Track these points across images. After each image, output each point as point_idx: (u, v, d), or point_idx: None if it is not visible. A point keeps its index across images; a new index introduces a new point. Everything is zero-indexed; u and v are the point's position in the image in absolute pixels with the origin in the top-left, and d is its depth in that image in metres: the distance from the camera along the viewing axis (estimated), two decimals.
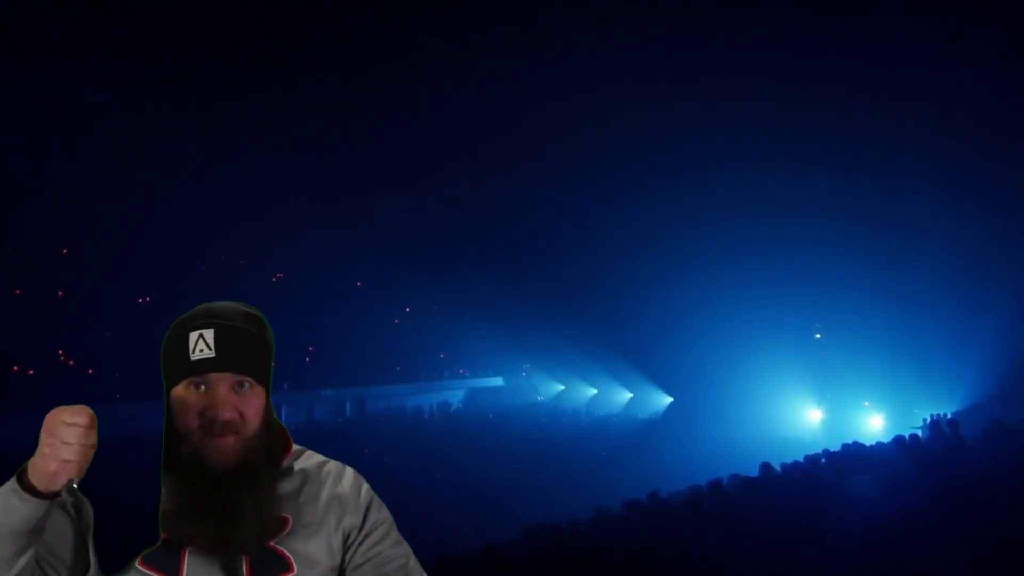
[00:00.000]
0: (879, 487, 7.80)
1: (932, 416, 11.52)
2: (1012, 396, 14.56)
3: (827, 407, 24.42)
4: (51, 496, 1.19)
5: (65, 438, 1.16)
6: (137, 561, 1.33)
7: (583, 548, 6.80)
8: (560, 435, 23.41)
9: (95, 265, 25.37)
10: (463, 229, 32.88)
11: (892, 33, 21.35)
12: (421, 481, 16.59)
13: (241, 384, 1.34)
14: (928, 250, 20.08)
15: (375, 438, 21.47)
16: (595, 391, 32.84)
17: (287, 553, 1.36)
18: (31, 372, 21.18)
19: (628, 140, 27.22)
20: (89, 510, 1.34)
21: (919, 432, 10.43)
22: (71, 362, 22.97)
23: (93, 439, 1.18)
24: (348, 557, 1.42)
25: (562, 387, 34.12)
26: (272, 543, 1.35)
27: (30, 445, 1.20)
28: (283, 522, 1.37)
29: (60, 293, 24.58)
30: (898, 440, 9.51)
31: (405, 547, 1.48)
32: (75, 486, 1.23)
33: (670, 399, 29.18)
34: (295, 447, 1.47)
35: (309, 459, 1.48)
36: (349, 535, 1.43)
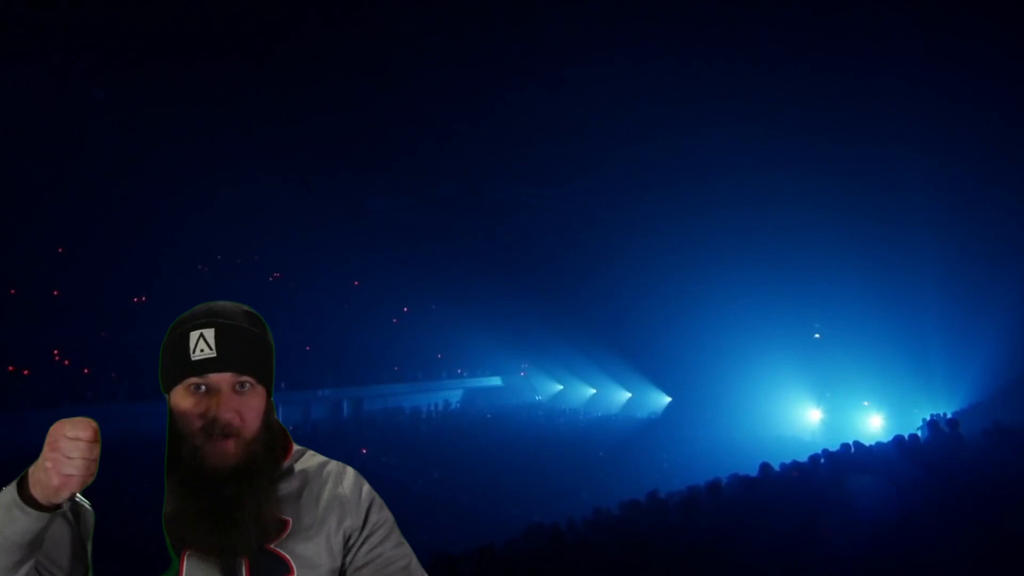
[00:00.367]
0: (878, 487, 7.79)
1: (931, 416, 11.50)
2: (1011, 396, 14.54)
3: (826, 407, 24.44)
4: (53, 509, 1.17)
5: (68, 452, 1.13)
6: None
7: (581, 548, 6.78)
8: (558, 435, 23.42)
9: (90, 264, 25.34)
10: (461, 228, 32.87)
11: (892, 32, 21.38)
12: (418, 481, 16.58)
13: (242, 384, 1.33)
14: (928, 250, 20.08)
15: (373, 438, 21.49)
16: (593, 391, 32.82)
17: (287, 556, 1.34)
18: (26, 372, 21.15)
19: (626, 139, 27.25)
20: (89, 517, 1.33)
21: (918, 432, 10.42)
22: (66, 362, 22.94)
23: (96, 453, 1.16)
24: (349, 559, 1.41)
25: (560, 387, 34.08)
26: (272, 546, 1.34)
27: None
28: (283, 524, 1.35)
29: (55, 292, 24.52)
30: (897, 440, 9.52)
31: (407, 548, 1.46)
32: (77, 494, 1.21)
33: (669, 399, 29.19)
34: (296, 447, 1.46)
35: (310, 460, 1.47)
36: (350, 537, 1.41)
